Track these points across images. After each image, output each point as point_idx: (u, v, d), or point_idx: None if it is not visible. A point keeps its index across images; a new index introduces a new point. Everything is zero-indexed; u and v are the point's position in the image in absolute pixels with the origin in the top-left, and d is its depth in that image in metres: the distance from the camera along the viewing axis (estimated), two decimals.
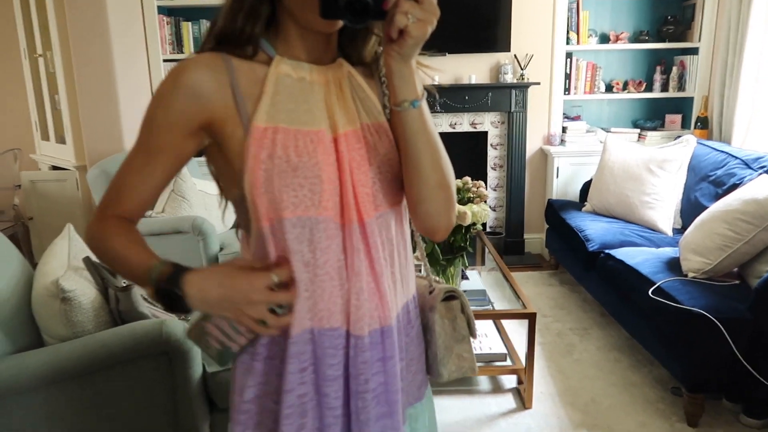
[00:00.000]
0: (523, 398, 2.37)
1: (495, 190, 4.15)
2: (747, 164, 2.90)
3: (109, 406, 1.68)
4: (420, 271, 1.10)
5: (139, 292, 1.81)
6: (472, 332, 1.03)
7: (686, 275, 2.40)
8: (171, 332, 1.67)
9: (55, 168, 3.90)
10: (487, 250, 3.16)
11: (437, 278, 1.07)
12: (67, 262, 1.85)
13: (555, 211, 3.61)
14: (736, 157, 2.99)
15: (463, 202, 2.25)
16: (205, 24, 3.84)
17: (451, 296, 1.02)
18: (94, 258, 1.87)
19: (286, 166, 0.80)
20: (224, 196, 0.91)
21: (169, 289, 0.79)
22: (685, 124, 4.04)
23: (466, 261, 2.42)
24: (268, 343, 0.87)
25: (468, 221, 2.13)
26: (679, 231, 3.17)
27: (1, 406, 1.57)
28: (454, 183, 0.89)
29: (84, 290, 1.70)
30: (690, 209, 3.15)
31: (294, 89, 0.84)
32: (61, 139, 3.83)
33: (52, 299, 1.64)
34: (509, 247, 4.12)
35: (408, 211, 0.92)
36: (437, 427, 1.08)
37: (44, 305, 1.66)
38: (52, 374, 1.58)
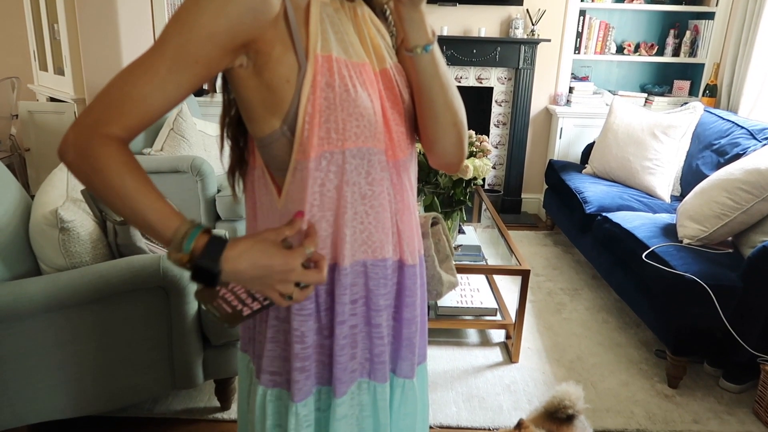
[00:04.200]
0: (510, 352, 2.42)
1: (496, 147, 4.12)
2: (752, 134, 2.88)
3: (106, 336, 1.71)
4: None
5: None
6: (451, 250, 1.15)
7: (681, 241, 2.42)
8: (168, 267, 1.68)
9: (53, 100, 3.84)
10: (484, 207, 3.16)
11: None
12: (65, 193, 1.84)
13: (555, 171, 3.60)
14: (742, 127, 2.97)
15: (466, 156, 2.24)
16: None
17: (434, 222, 1.13)
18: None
19: (347, 95, 0.78)
20: (253, 129, 0.83)
21: (207, 266, 0.72)
22: (693, 91, 3.99)
23: (464, 215, 2.42)
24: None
25: (469, 175, 2.13)
26: (678, 198, 3.18)
27: (1, 329, 1.60)
28: (465, 118, 0.91)
29: (82, 221, 1.70)
30: (690, 177, 3.14)
31: (335, 20, 0.81)
32: (59, 71, 3.75)
33: (50, 229, 1.64)
34: (506, 205, 4.13)
35: (423, 148, 0.94)
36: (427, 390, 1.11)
37: (42, 234, 1.66)
38: (50, 302, 1.59)
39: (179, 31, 0.72)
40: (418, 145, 0.95)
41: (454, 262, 1.17)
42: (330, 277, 0.85)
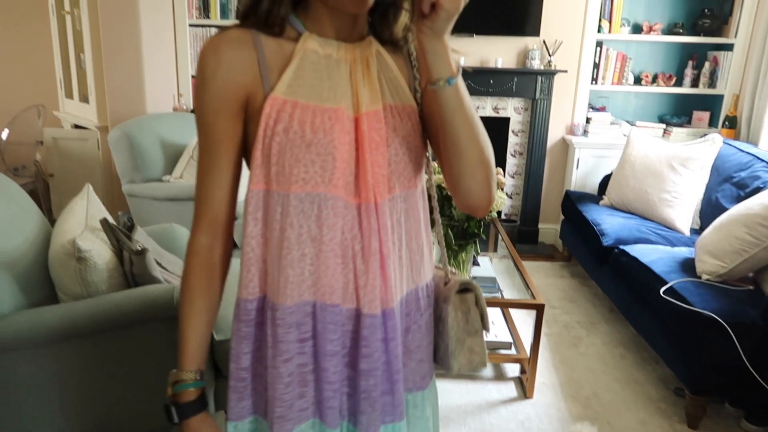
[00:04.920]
0: (524, 387, 2.38)
1: (513, 177, 4.12)
2: None
3: (118, 366, 1.72)
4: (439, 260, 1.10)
5: (153, 257, 1.84)
6: (485, 326, 1.01)
7: (700, 277, 2.38)
8: None
9: (77, 127, 3.93)
10: (500, 237, 3.15)
11: (453, 270, 1.06)
12: (84, 221, 1.88)
13: (572, 202, 3.58)
14: (762, 160, 2.93)
15: None
16: None
17: (465, 289, 1.00)
18: (110, 219, 1.90)
19: (300, 141, 0.81)
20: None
21: (169, 412, 0.89)
22: (712, 123, 3.96)
23: (479, 247, 2.41)
24: (258, 308, 0.88)
25: None
26: (697, 231, 3.13)
27: (16, 358, 1.62)
28: (493, 158, 0.87)
29: (99, 251, 1.72)
30: (710, 210, 3.10)
31: (319, 65, 0.84)
32: (84, 98, 3.85)
33: (68, 258, 1.67)
34: (523, 235, 4.11)
35: (448, 188, 0.90)
36: (439, 417, 1.08)
37: (61, 263, 1.69)
38: (65, 330, 1.61)
39: (200, 126, 0.85)
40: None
41: (485, 338, 1.04)
42: (271, 315, 0.86)
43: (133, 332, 1.71)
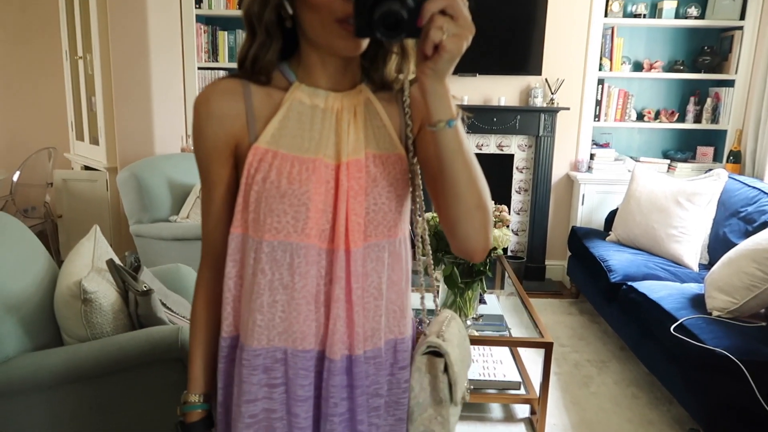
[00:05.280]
0: (535, 429, 2.33)
1: (518, 214, 4.12)
2: None
3: (121, 410, 1.70)
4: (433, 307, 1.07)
5: (158, 297, 1.84)
6: (453, 398, 0.93)
7: (710, 313, 2.35)
8: (186, 339, 1.68)
9: (87, 168, 3.99)
10: (506, 275, 3.13)
11: (427, 320, 1.04)
12: (91, 263, 1.88)
13: (578, 238, 3.57)
14: None
15: None
16: (240, 34, 3.92)
17: (433, 351, 0.93)
18: (117, 260, 1.91)
19: (276, 191, 0.84)
20: None
21: (178, 430, 0.96)
22: (716, 158, 3.97)
23: (485, 285, 2.40)
24: (231, 346, 0.92)
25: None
26: (706, 267, 3.10)
27: (19, 402, 1.60)
28: (491, 203, 0.87)
29: (105, 292, 1.72)
30: (718, 245, 3.08)
31: (304, 116, 0.87)
32: (94, 140, 3.92)
33: (74, 300, 1.67)
34: (530, 272, 4.08)
35: (444, 231, 0.89)
36: None
37: (66, 305, 1.69)
38: (69, 374, 1.60)
39: (198, 169, 0.91)
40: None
41: (457, 409, 0.95)
42: (239, 354, 0.89)
43: (137, 375, 1.69)
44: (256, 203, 0.84)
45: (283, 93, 0.87)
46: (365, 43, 0.83)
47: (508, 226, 2.28)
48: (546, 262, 4.12)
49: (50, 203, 4.12)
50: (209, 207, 0.91)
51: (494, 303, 2.73)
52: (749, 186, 3.11)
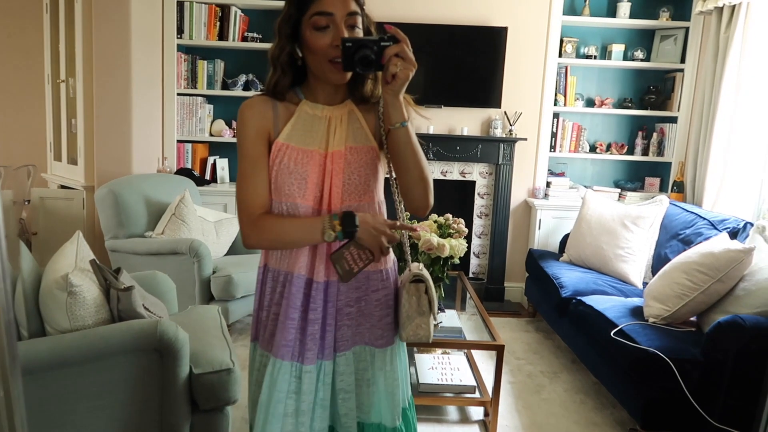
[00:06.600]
0: (488, 429, 2.49)
1: (479, 237, 4.34)
2: (713, 225, 3.11)
3: (101, 397, 1.81)
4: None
5: (138, 294, 1.98)
6: (432, 310, 1.36)
7: (647, 320, 2.57)
8: (164, 331, 1.82)
9: (63, 187, 4.09)
10: (468, 295, 3.30)
11: (418, 264, 1.44)
12: (74, 263, 2.02)
13: (535, 259, 3.80)
14: (704, 218, 3.20)
15: (443, 236, 2.44)
16: (219, 63, 4.13)
17: (419, 279, 1.35)
18: (98, 262, 2.04)
19: (287, 171, 1.29)
20: None
21: (351, 218, 1.26)
22: (663, 188, 4.28)
23: (443, 292, 2.58)
24: (263, 272, 1.40)
25: (446, 253, 2.31)
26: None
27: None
28: (431, 176, 1.30)
29: (89, 287, 1.86)
30: (660, 264, 3.32)
31: (307, 122, 1.32)
32: (72, 161, 4.04)
33: (60, 292, 1.80)
34: (490, 293, 4.28)
35: (402, 196, 1.33)
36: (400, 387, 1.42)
37: (51, 297, 1.82)
38: (53, 361, 1.72)
39: (243, 148, 1.31)
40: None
41: (433, 323, 1.36)
42: (267, 276, 1.38)
43: (116, 364, 1.82)
44: (276, 178, 1.29)
45: (295, 106, 1.32)
46: (348, 75, 1.28)
47: (464, 238, 2.49)
48: (505, 284, 4.33)
49: (25, 220, 4.19)
50: (252, 174, 1.29)
51: (454, 318, 2.90)
52: (687, 211, 3.39)
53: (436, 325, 1.38)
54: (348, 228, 1.25)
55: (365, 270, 1.34)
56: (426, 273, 1.38)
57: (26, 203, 4.15)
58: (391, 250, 1.39)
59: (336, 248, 1.29)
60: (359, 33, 1.27)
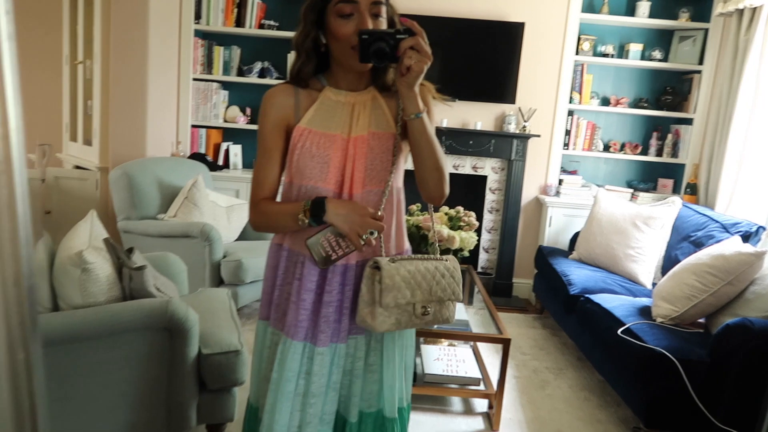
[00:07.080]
0: (491, 421, 2.50)
1: (489, 232, 4.34)
2: (725, 228, 3.09)
3: (111, 374, 1.84)
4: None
5: (150, 274, 2.00)
6: (381, 300, 1.28)
7: (655, 320, 2.57)
8: (175, 310, 1.85)
9: (77, 168, 4.13)
10: (476, 290, 3.30)
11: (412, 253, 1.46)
12: (88, 242, 2.04)
13: (544, 256, 3.79)
14: (716, 221, 3.18)
15: (454, 228, 2.45)
16: (235, 50, 4.14)
17: (375, 265, 1.30)
18: (111, 240, 2.07)
19: (308, 154, 1.31)
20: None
21: (319, 203, 1.26)
22: (676, 189, 4.26)
23: None
24: (277, 249, 1.41)
25: (456, 245, 2.32)
26: None
27: None
28: (446, 166, 1.31)
29: (102, 265, 1.88)
30: (670, 266, 3.31)
31: (330, 107, 1.33)
32: (87, 142, 4.08)
33: (73, 268, 1.83)
34: (498, 288, 4.29)
35: (418, 185, 1.34)
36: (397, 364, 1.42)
37: (65, 273, 1.85)
38: (65, 335, 1.75)
39: (261, 139, 1.35)
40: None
41: (383, 315, 1.28)
42: (281, 254, 1.40)
43: (126, 341, 1.85)
44: (297, 160, 1.30)
45: (318, 93, 1.34)
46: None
47: (475, 231, 2.49)
48: (513, 280, 4.33)
49: (39, 199, 4.23)
50: (267, 162, 1.34)
51: (461, 310, 2.91)
52: (700, 213, 3.37)
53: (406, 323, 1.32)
54: (315, 214, 1.26)
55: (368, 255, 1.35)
56: (407, 263, 1.30)
57: (41, 182, 4.19)
58: (406, 238, 1.42)
59: (312, 234, 1.28)
60: (383, 22, 1.28)
